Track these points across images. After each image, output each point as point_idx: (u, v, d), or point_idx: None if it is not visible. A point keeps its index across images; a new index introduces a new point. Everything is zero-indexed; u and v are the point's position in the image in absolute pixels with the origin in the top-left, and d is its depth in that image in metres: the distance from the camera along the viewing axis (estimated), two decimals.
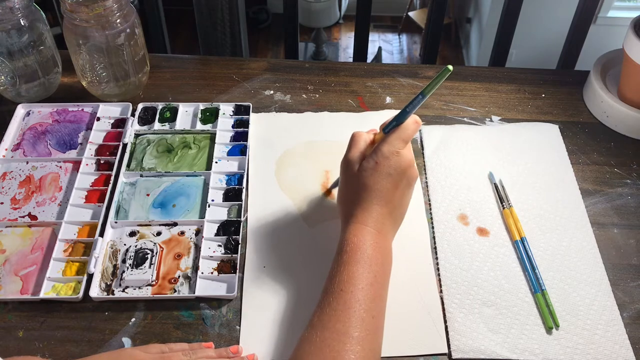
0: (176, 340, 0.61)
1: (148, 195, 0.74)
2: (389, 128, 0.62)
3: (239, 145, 0.80)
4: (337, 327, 0.53)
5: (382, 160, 0.60)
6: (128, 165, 0.77)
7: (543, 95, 0.90)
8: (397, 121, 0.61)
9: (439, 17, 1.10)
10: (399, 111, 0.61)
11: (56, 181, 0.76)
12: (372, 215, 0.60)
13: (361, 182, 0.61)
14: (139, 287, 0.65)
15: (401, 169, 0.60)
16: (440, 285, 0.66)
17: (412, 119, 0.61)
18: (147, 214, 0.72)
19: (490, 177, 0.77)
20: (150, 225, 0.71)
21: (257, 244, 0.69)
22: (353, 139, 0.64)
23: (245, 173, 0.76)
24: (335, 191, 0.75)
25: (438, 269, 0.67)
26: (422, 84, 0.91)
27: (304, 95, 0.89)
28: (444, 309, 0.64)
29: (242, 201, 0.73)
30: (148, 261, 0.66)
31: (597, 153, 0.82)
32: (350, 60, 1.50)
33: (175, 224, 0.71)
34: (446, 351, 0.61)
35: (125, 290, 0.65)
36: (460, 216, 0.72)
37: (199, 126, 0.82)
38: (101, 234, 0.69)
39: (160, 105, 0.85)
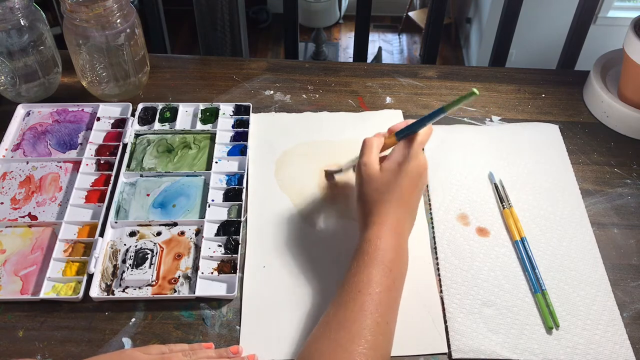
0: (176, 341, 0.61)
1: (148, 195, 0.74)
2: (403, 134, 0.63)
3: (239, 145, 0.80)
4: (353, 329, 0.53)
5: (404, 161, 0.61)
6: (128, 165, 0.77)
7: (543, 95, 0.90)
8: (413, 130, 0.62)
9: (439, 17, 1.10)
10: (413, 120, 0.63)
11: (56, 181, 0.76)
12: (393, 216, 0.60)
13: (383, 182, 0.61)
14: (139, 287, 0.65)
15: (419, 172, 0.62)
16: (440, 285, 0.66)
17: (427, 126, 0.63)
18: (147, 214, 0.72)
19: (490, 177, 0.77)
20: (150, 225, 0.71)
21: (257, 244, 0.69)
22: (367, 144, 0.65)
23: (245, 173, 0.76)
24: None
25: (438, 269, 0.67)
26: (422, 84, 0.91)
27: (304, 95, 0.89)
28: (444, 309, 0.64)
29: (242, 201, 0.73)
30: (148, 261, 0.66)
31: (597, 153, 0.82)
32: (350, 60, 1.50)
33: (175, 224, 0.71)
34: (446, 351, 0.61)
35: (125, 291, 0.65)
36: (460, 216, 0.72)
37: (199, 126, 0.83)
38: (101, 234, 0.69)
39: (160, 105, 0.85)
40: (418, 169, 0.62)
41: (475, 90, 0.55)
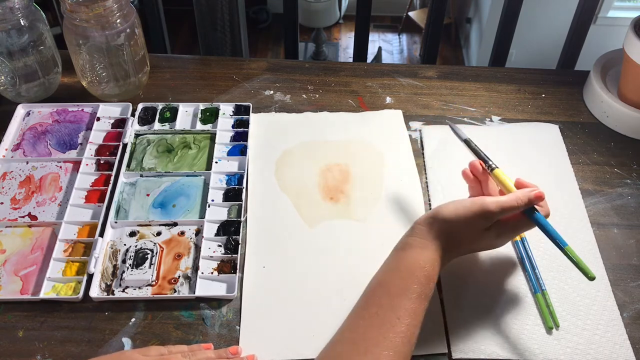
0: (176, 341, 0.61)
1: (148, 195, 0.74)
2: (537, 221, 0.60)
3: (239, 145, 0.80)
4: (382, 331, 0.53)
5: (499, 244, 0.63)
6: (128, 165, 0.77)
7: (543, 95, 0.90)
8: (548, 231, 0.60)
9: (439, 17, 1.10)
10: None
11: (56, 181, 0.76)
12: (453, 255, 0.61)
13: (475, 239, 0.60)
14: (139, 287, 0.65)
15: (487, 248, 0.64)
16: (440, 285, 0.66)
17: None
18: (147, 214, 0.72)
19: None
20: (150, 225, 0.71)
21: (257, 244, 0.69)
22: (528, 202, 0.60)
23: (245, 173, 0.76)
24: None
25: None
26: (422, 84, 0.91)
27: (304, 95, 0.89)
28: (443, 309, 0.64)
29: (242, 201, 0.73)
30: (148, 261, 0.66)
31: (597, 153, 0.82)
32: (350, 60, 1.50)
33: (175, 224, 0.71)
34: (446, 351, 0.61)
35: (125, 291, 0.65)
36: None
37: (199, 126, 0.83)
38: (101, 234, 0.69)
39: (160, 105, 0.85)
40: (491, 246, 0.63)
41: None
